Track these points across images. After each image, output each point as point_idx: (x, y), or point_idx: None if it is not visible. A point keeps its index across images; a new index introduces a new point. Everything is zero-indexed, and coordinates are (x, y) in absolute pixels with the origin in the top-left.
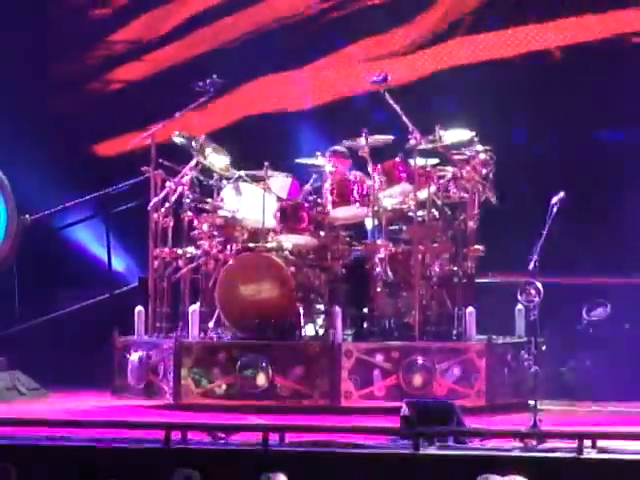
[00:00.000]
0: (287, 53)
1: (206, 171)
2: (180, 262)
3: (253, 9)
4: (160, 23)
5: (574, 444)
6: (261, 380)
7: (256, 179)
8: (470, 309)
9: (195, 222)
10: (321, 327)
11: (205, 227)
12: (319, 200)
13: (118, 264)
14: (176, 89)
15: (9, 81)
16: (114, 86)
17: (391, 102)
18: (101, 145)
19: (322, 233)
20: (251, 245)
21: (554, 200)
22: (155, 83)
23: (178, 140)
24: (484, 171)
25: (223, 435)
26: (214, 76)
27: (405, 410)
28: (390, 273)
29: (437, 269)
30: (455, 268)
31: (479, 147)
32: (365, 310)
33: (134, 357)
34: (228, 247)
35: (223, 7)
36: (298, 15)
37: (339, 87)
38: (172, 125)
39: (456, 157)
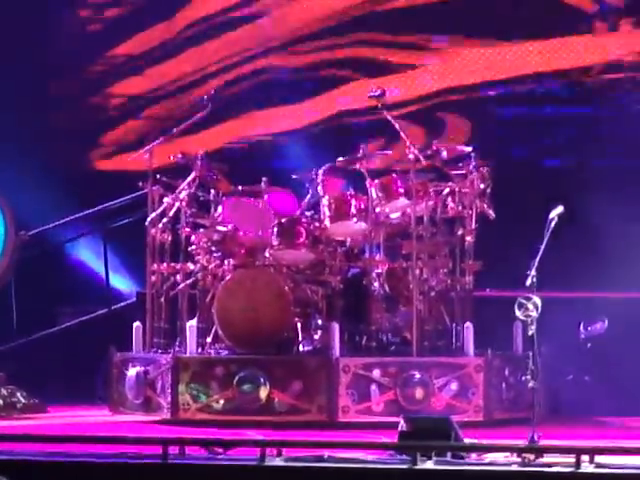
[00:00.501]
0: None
1: (203, 187)
2: (178, 277)
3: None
4: (159, 38)
5: (572, 459)
6: (259, 395)
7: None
8: (468, 324)
9: (193, 237)
10: (319, 342)
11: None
12: (316, 215)
13: (116, 279)
14: (174, 104)
15: (8, 96)
16: (113, 101)
17: (389, 117)
18: (99, 160)
19: (320, 248)
20: (249, 260)
21: (552, 215)
22: (154, 98)
23: (178, 158)
24: (482, 186)
25: (221, 450)
26: (212, 91)
27: (403, 425)
28: (388, 288)
29: (435, 284)
30: (453, 283)
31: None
32: (363, 325)
33: (132, 372)
34: (226, 262)
35: (224, 23)
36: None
37: None
38: (170, 140)
39: (454, 172)
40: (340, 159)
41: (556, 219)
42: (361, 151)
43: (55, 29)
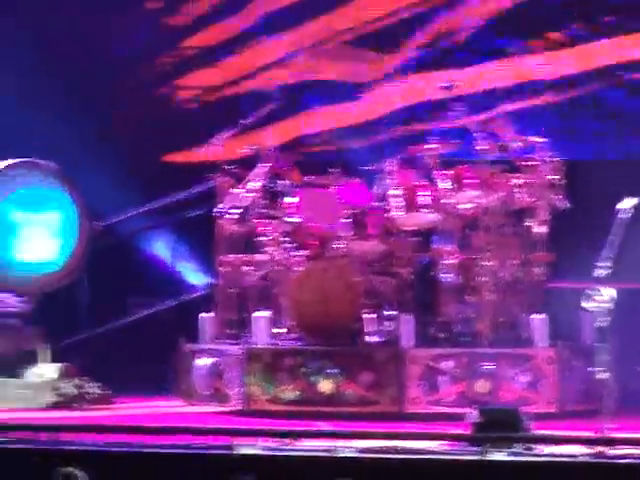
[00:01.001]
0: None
1: (274, 178)
2: (248, 269)
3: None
4: (231, 30)
5: None
6: (328, 386)
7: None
8: (539, 315)
9: (263, 229)
10: (389, 333)
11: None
12: (387, 206)
13: (186, 271)
14: (246, 97)
15: (78, 88)
16: (183, 93)
17: (457, 108)
18: (170, 152)
19: (390, 239)
20: (319, 251)
21: (626, 206)
22: (224, 90)
23: (249, 150)
24: (553, 177)
25: (290, 441)
26: (284, 84)
27: (473, 416)
28: (458, 279)
29: (505, 275)
30: (524, 274)
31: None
32: (433, 316)
33: (201, 363)
34: (297, 253)
35: (294, 18)
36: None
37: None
38: (241, 133)
39: (524, 163)
40: (411, 147)
41: (632, 210)
42: (430, 142)
43: (125, 21)
